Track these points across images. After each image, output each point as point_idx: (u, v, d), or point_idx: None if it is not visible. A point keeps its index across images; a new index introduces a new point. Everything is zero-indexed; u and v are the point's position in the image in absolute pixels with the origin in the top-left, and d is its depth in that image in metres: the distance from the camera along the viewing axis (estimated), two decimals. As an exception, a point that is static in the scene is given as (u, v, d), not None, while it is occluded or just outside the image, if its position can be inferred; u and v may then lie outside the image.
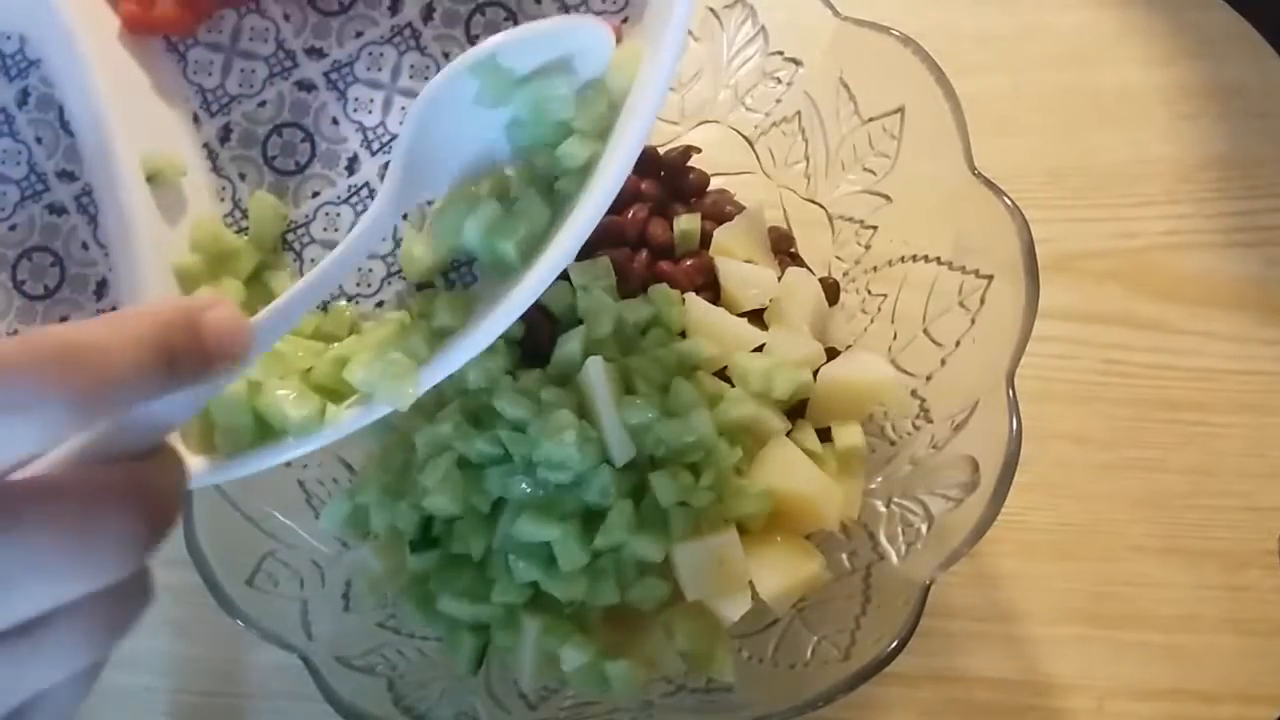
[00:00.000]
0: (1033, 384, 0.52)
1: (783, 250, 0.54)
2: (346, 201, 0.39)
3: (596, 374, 0.44)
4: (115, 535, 0.24)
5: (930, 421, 0.46)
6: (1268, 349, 0.56)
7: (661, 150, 0.54)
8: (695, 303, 0.48)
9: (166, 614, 0.53)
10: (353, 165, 0.39)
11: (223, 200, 0.39)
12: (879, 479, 0.47)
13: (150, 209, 0.36)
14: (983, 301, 0.44)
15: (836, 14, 0.46)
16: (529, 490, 0.44)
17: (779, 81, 0.51)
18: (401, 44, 0.39)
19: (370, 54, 0.39)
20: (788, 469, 0.45)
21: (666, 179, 0.54)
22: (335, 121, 0.39)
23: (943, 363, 0.46)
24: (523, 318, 0.48)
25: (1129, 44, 0.61)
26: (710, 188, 0.54)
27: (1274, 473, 0.54)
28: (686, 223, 0.51)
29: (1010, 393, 0.40)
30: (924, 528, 0.43)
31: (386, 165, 0.38)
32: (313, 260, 0.39)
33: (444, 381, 0.48)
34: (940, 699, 0.51)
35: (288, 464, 0.48)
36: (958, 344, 0.45)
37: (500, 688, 0.46)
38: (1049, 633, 0.52)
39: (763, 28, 0.50)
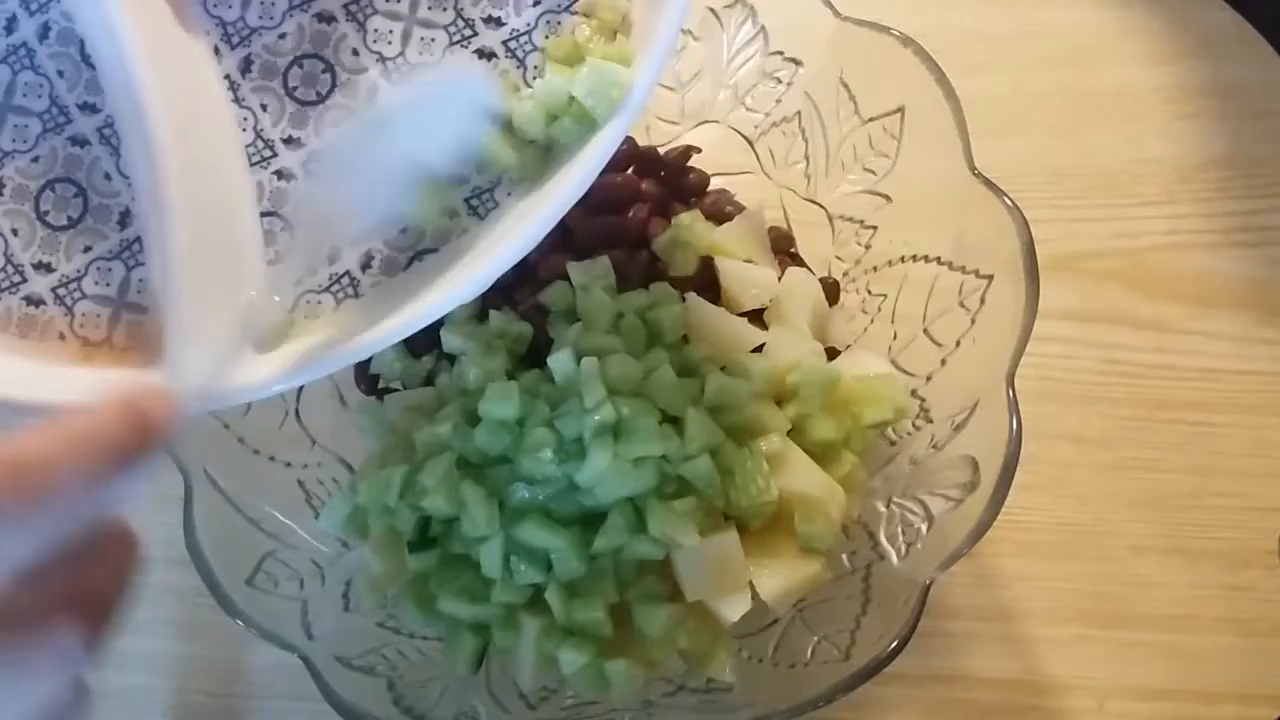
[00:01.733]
0: (1033, 384, 0.52)
1: (783, 250, 0.54)
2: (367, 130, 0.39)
3: (591, 375, 0.44)
4: (56, 656, 0.24)
5: (930, 421, 0.46)
6: (1268, 349, 0.56)
7: (661, 150, 0.54)
8: (695, 303, 0.48)
9: (167, 614, 0.53)
10: (373, 95, 0.39)
11: (245, 130, 0.40)
12: (879, 479, 0.47)
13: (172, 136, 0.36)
14: (983, 301, 0.44)
15: (836, 14, 0.46)
16: (528, 496, 0.44)
17: (779, 81, 0.51)
18: None
19: None
20: (789, 469, 0.45)
21: (666, 179, 0.54)
22: (355, 52, 0.39)
23: (943, 363, 0.46)
24: (523, 317, 0.49)
25: (1129, 43, 0.61)
26: (710, 188, 0.54)
27: (1274, 473, 0.54)
28: (687, 220, 0.51)
29: (1010, 393, 0.40)
30: (924, 528, 0.43)
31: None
32: None
33: (444, 381, 0.49)
34: (940, 699, 0.51)
35: (288, 464, 0.48)
36: (958, 344, 0.45)
37: (500, 688, 0.46)
38: (1049, 633, 0.52)
39: (763, 28, 0.50)
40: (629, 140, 0.53)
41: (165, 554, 0.54)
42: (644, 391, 0.45)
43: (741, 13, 0.50)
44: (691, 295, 0.49)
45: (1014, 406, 0.40)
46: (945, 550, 0.40)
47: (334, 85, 0.40)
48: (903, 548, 0.44)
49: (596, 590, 0.44)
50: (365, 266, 0.39)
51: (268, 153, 0.39)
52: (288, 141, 0.39)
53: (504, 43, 0.39)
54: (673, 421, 0.44)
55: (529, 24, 0.39)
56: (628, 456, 0.42)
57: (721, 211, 0.53)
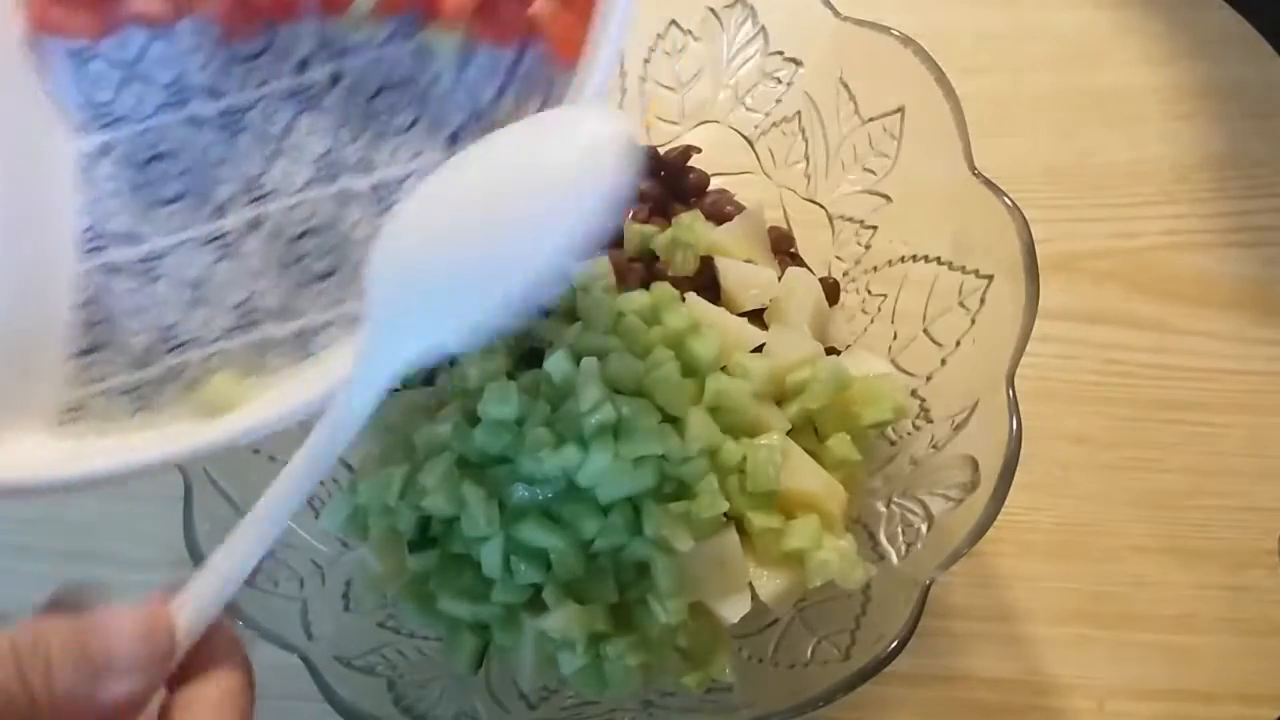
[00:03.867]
0: (1033, 384, 0.52)
1: (783, 250, 0.54)
2: (207, 244, 0.38)
3: (590, 375, 0.44)
4: None
5: (930, 421, 0.46)
6: (1267, 349, 0.56)
7: (661, 150, 0.54)
8: (695, 303, 0.48)
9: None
10: (223, 210, 0.38)
11: (83, 216, 0.38)
12: (879, 479, 0.47)
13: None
14: (983, 301, 0.44)
15: (836, 14, 0.46)
16: (528, 496, 0.44)
17: (779, 81, 0.51)
18: (300, 104, 0.39)
19: (267, 106, 0.39)
20: (790, 468, 0.45)
21: (666, 179, 0.54)
22: (217, 163, 0.39)
23: (943, 363, 0.46)
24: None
25: (1128, 44, 0.61)
26: (710, 188, 0.54)
27: (1274, 473, 0.54)
28: (687, 220, 0.51)
29: (1010, 393, 0.40)
30: (924, 528, 0.43)
31: (253, 221, 0.38)
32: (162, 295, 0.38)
33: (444, 381, 0.49)
34: (940, 699, 0.51)
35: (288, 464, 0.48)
36: (958, 344, 0.45)
37: (500, 688, 0.46)
38: (1049, 633, 0.52)
39: (763, 28, 0.50)
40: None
41: (165, 554, 0.54)
42: (644, 391, 0.45)
43: (741, 13, 0.50)
44: (691, 295, 0.49)
45: (1014, 406, 0.40)
46: (945, 550, 0.40)
47: (185, 192, 0.38)
48: (903, 548, 0.44)
49: (596, 590, 0.44)
50: (159, 383, 0.37)
51: (100, 243, 0.38)
52: (127, 237, 0.38)
53: (373, 188, 0.38)
54: (672, 421, 0.44)
55: (403, 175, 0.38)
56: (628, 456, 0.42)
57: (721, 211, 0.53)
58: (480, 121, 0.38)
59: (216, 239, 0.38)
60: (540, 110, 0.37)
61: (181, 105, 0.39)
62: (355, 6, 0.38)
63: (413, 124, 0.38)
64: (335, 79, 0.39)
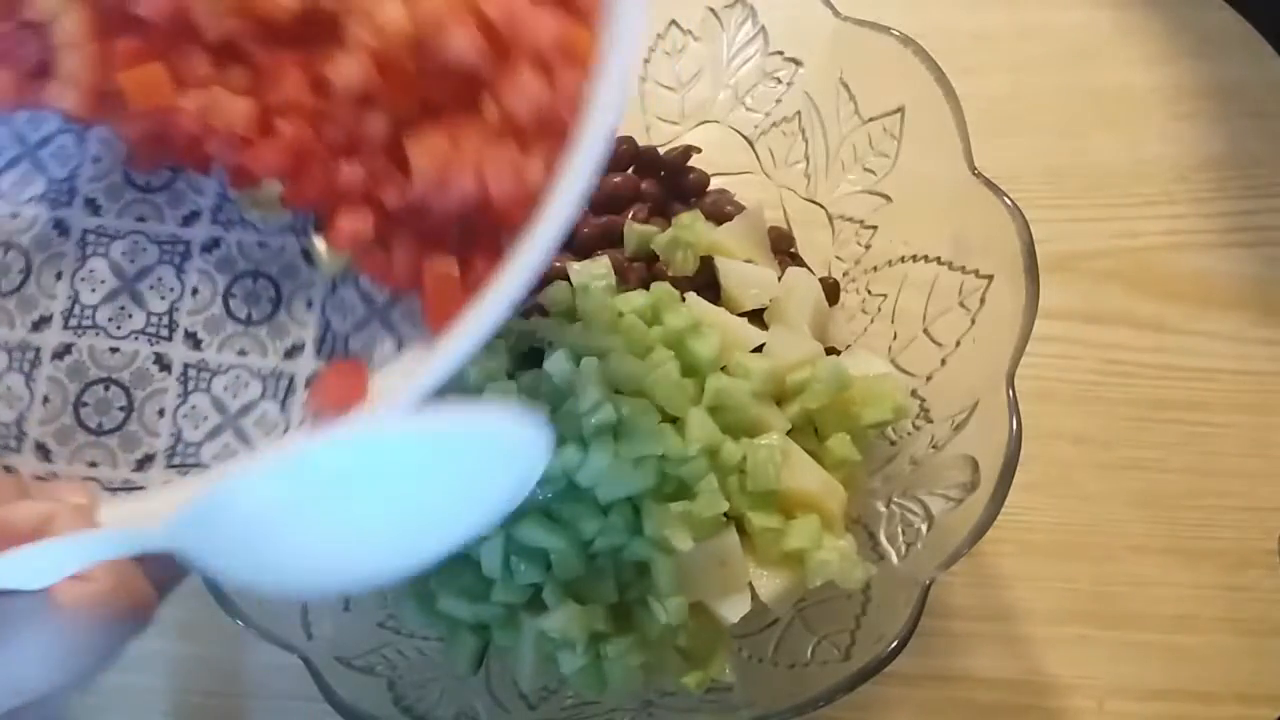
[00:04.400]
0: (1033, 384, 0.52)
1: (783, 250, 0.54)
2: (9, 350, 0.37)
3: (590, 375, 0.44)
4: None
5: (930, 421, 0.46)
6: (1267, 349, 0.56)
7: (661, 150, 0.54)
8: (695, 303, 0.48)
9: (167, 614, 0.53)
10: (42, 324, 0.37)
11: None
12: (879, 479, 0.47)
13: None
14: (983, 301, 0.44)
15: (836, 14, 0.46)
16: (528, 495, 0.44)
17: (779, 81, 0.51)
18: (168, 254, 0.38)
19: (134, 243, 0.38)
20: (790, 468, 0.45)
21: (666, 179, 0.54)
22: (58, 276, 0.38)
23: (943, 363, 0.46)
24: (521, 315, 0.49)
25: (1128, 44, 0.61)
26: (710, 188, 0.54)
27: (1274, 473, 0.54)
28: (687, 220, 0.51)
29: (1010, 393, 0.40)
30: (924, 528, 0.43)
31: (62, 348, 0.37)
32: None
33: (444, 380, 0.48)
34: (940, 699, 0.51)
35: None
36: (958, 344, 0.45)
37: (500, 688, 0.46)
38: (1049, 633, 0.52)
39: (763, 28, 0.50)
40: (629, 140, 0.53)
41: (165, 554, 0.54)
42: (644, 391, 0.45)
43: (741, 13, 0.50)
44: (691, 295, 0.49)
45: (1014, 406, 0.40)
46: (945, 550, 0.40)
47: (18, 289, 0.38)
48: (903, 548, 0.44)
49: (596, 590, 0.44)
50: None
51: None
52: None
53: (189, 366, 0.38)
54: (672, 421, 0.44)
55: (223, 365, 0.38)
56: (628, 456, 0.42)
57: (721, 211, 0.53)
58: (321, 348, 0.38)
59: (21, 350, 0.37)
60: (382, 351, 0.37)
61: (57, 205, 0.38)
62: (265, 187, 0.37)
63: (259, 321, 0.38)
64: (211, 245, 0.39)
